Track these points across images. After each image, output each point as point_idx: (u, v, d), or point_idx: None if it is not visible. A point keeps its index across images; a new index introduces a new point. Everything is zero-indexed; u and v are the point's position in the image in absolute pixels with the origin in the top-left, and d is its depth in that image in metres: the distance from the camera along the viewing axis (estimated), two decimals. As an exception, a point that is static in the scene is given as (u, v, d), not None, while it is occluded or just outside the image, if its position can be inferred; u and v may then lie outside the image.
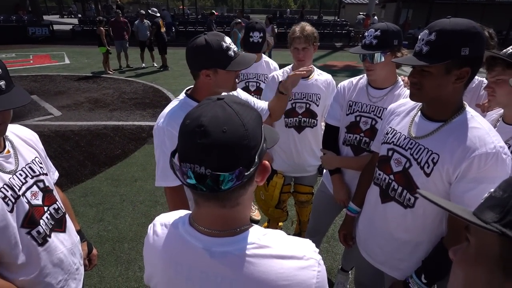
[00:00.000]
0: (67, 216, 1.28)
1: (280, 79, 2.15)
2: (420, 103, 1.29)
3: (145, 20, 9.70)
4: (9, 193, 1.01)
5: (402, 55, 1.61)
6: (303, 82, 2.12)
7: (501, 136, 1.20)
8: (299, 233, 2.79)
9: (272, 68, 2.80)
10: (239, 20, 9.01)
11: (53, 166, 1.35)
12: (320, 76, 2.16)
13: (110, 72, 9.20)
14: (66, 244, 1.22)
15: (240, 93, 1.66)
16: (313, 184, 2.39)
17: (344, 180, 1.86)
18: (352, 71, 9.71)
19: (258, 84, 2.76)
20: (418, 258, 1.29)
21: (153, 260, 0.76)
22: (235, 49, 1.33)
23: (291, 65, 2.18)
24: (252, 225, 0.72)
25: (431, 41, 1.08)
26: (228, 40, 1.31)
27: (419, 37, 1.15)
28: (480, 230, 0.44)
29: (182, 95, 1.43)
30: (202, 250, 0.68)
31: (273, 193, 2.06)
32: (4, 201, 0.98)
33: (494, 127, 1.41)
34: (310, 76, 2.14)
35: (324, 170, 2.04)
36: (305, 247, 0.70)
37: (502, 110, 1.45)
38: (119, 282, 2.39)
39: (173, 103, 1.41)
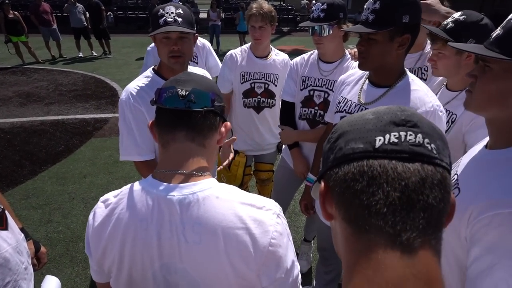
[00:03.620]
0: (7, 212, 1.15)
1: (238, 58, 2.12)
2: (367, 72, 1.38)
3: (78, 4, 8.78)
4: None
5: (348, 27, 1.69)
6: (261, 62, 2.12)
7: (441, 100, 1.33)
8: (262, 211, 2.86)
9: (200, 45, 2.51)
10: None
11: None
12: (277, 56, 2.17)
13: (42, 62, 8.33)
14: (10, 242, 1.10)
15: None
16: (273, 162, 2.45)
17: (302, 153, 1.93)
18: (299, 55, 9.96)
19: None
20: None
21: (106, 232, 0.72)
22: (171, 19, 1.27)
23: (249, 44, 2.16)
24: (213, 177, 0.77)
25: (376, 10, 1.15)
26: (171, 9, 1.27)
27: (365, 6, 1.22)
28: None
29: (149, 72, 1.43)
30: (166, 198, 0.69)
31: (236, 172, 2.07)
32: None
33: (438, 91, 1.56)
34: (268, 56, 2.14)
35: (283, 146, 2.10)
36: (266, 200, 0.74)
37: None
38: (77, 283, 2.24)
39: (140, 78, 1.41)
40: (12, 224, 1.17)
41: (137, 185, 0.74)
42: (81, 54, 9.13)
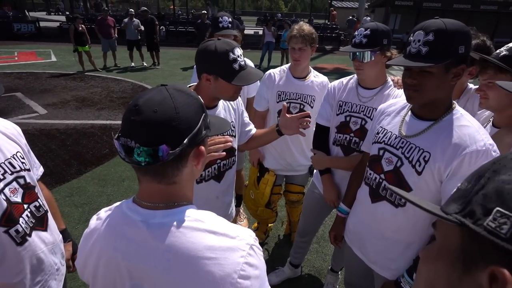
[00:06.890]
0: (49, 214, 1.23)
1: (276, 77, 2.13)
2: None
3: (134, 19, 9.56)
4: None
5: (392, 54, 1.62)
6: (298, 83, 2.11)
7: None
8: (289, 233, 2.78)
9: None
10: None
11: (37, 162, 1.29)
12: (316, 78, 2.16)
13: (99, 70, 9.12)
14: (47, 242, 1.17)
15: (239, 104, 1.63)
16: (304, 184, 2.38)
17: (334, 181, 1.86)
18: (341, 74, 9.80)
19: None
20: (409, 258, 1.29)
21: (89, 244, 0.76)
22: (243, 62, 1.30)
23: (288, 64, 2.17)
24: (191, 204, 0.76)
25: (429, 41, 1.07)
26: (238, 52, 1.28)
27: (412, 38, 1.13)
28: (443, 224, 0.43)
29: None
30: (140, 223, 0.71)
31: (264, 190, 2.05)
32: None
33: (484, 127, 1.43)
34: (307, 77, 2.13)
35: (315, 170, 2.04)
36: (242, 230, 0.72)
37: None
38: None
39: None
40: (52, 225, 1.25)
41: (121, 206, 0.76)
42: (133, 64, 9.86)
